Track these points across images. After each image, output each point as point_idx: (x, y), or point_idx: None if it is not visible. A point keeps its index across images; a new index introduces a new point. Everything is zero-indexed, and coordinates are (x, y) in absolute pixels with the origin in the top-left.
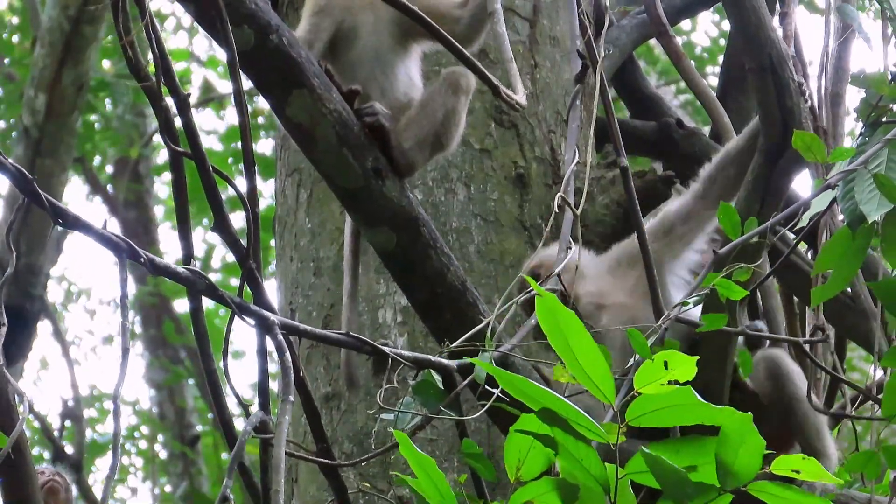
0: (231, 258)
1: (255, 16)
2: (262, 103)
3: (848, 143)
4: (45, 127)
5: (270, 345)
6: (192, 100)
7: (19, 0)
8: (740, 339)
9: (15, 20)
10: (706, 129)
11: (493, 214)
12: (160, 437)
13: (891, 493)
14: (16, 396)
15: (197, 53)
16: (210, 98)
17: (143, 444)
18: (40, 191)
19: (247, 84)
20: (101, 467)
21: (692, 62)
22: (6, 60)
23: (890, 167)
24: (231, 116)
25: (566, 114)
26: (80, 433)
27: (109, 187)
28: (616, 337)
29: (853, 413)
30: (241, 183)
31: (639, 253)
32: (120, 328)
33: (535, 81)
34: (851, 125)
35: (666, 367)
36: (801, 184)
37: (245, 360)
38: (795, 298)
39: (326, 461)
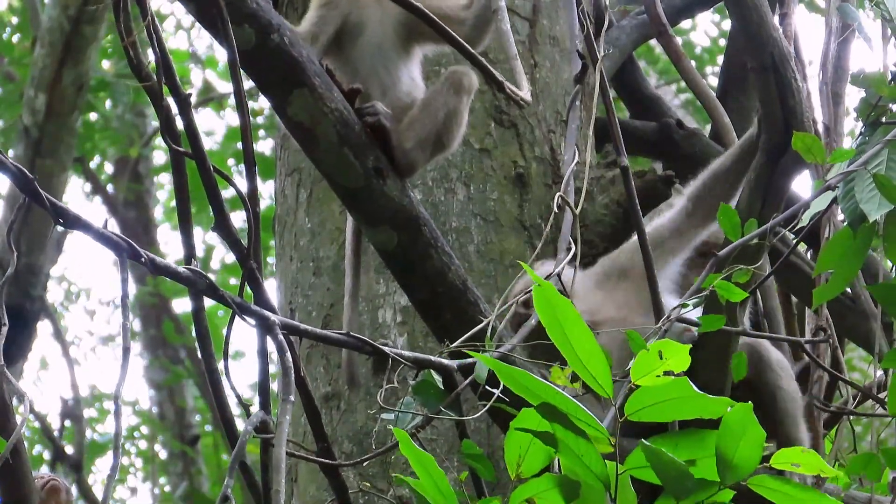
0: (231, 258)
1: (255, 15)
2: (261, 102)
3: (848, 142)
4: (45, 127)
5: (271, 345)
6: (192, 100)
7: (19, 0)
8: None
9: (15, 20)
10: (706, 129)
11: (492, 214)
12: (160, 437)
13: (891, 493)
14: (15, 397)
15: (197, 53)
16: (210, 98)
17: (143, 444)
18: (41, 190)
19: (247, 83)
20: (101, 467)
21: (692, 62)
22: (5, 60)
23: (890, 167)
24: (231, 116)
25: (566, 113)
26: (81, 433)
27: (109, 187)
28: (611, 350)
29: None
30: (242, 183)
31: (627, 265)
32: (120, 328)
33: (535, 81)
34: (851, 125)
35: (661, 357)
36: (802, 185)
37: (245, 360)
38: (794, 299)
39: (327, 461)
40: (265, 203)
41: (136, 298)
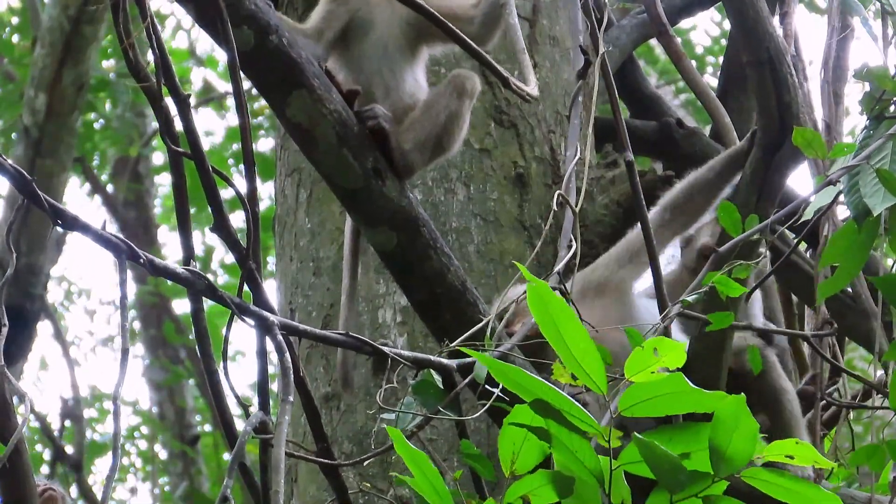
0: (231, 258)
1: (254, 16)
2: (262, 102)
3: (848, 141)
4: (45, 127)
5: (270, 345)
6: (192, 100)
7: (20, 0)
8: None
9: (15, 20)
10: (706, 130)
11: (492, 214)
12: (160, 437)
13: (891, 492)
14: (16, 397)
15: (197, 53)
16: (210, 98)
17: (143, 445)
18: (39, 192)
19: (247, 84)
20: (101, 467)
21: (692, 62)
22: (5, 60)
23: (894, 161)
24: (231, 116)
25: (568, 109)
26: (81, 433)
27: (109, 187)
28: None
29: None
30: (241, 183)
31: (603, 281)
32: (119, 329)
33: None
34: (851, 125)
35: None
36: (800, 183)
37: (245, 361)
38: (795, 298)
39: (326, 461)
40: (265, 203)
41: (137, 298)
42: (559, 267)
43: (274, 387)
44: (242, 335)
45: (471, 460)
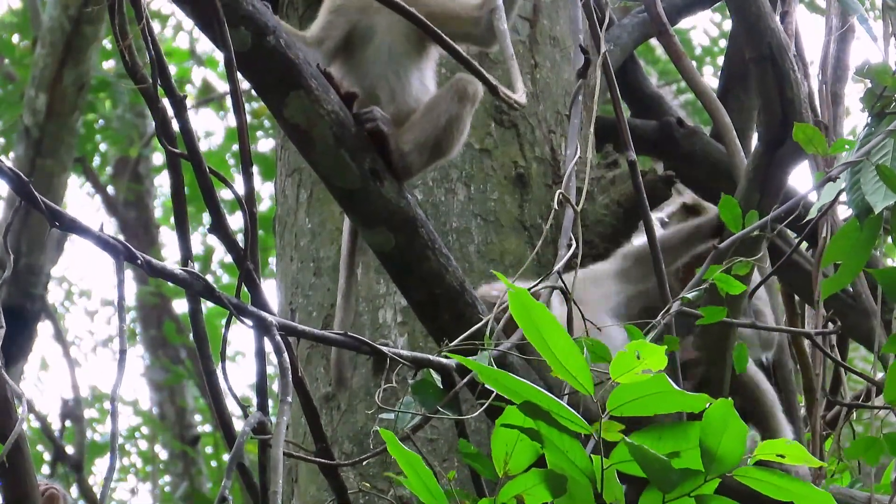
0: (231, 259)
1: (252, 17)
2: (263, 104)
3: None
4: (45, 127)
5: (269, 345)
6: (192, 100)
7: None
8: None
9: (15, 21)
10: (706, 129)
11: (493, 214)
12: (161, 438)
13: (893, 491)
14: (15, 397)
15: (198, 53)
16: (210, 98)
17: (143, 445)
18: (37, 193)
19: (246, 84)
20: (101, 468)
21: (693, 62)
22: (6, 61)
23: None
24: (231, 117)
25: (569, 108)
26: (81, 433)
27: (109, 187)
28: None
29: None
30: (241, 183)
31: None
32: (118, 330)
33: (535, 81)
34: (851, 125)
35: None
36: (801, 181)
37: (245, 361)
38: (797, 298)
39: (325, 461)
40: (266, 203)
41: (137, 298)
42: (559, 266)
43: (274, 387)
44: (242, 336)
45: (469, 459)
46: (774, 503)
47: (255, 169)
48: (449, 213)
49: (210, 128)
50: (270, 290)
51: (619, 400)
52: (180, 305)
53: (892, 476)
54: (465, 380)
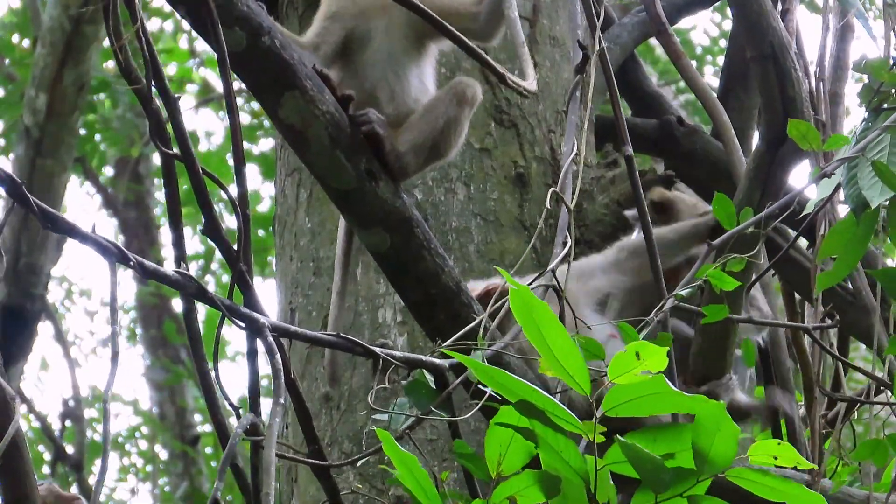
0: None
1: (246, 17)
2: None
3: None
4: (46, 127)
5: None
6: (193, 100)
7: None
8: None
9: (15, 20)
10: (706, 129)
11: (492, 214)
12: (161, 438)
13: (891, 488)
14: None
15: (198, 53)
16: (210, 98)
17: (143, 445)
18: (29, 196)
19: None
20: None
21: (692, 62)
22: (6, 61)
23: (893, 153)
24: None
25: (566, 104)
26: (81, 433)
27: (109, 188)
28: None
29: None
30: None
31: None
32: (111, 332)
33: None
34: (851, 125)
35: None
36: (802, 179)
37: (244, 362)
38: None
39: (317, 462)
40: (266, 203)
41: (137, 298)
42: (554, 265)
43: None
44: (242, 336)
45: (464, 460)
46: (766, 503)
47: (255, 169)
48: (448, 213)
49: (210, 128)
50: (271, 289)
51: (614, 400)
52: (180, 305)
53: (894, 475)
54: (459, 380)
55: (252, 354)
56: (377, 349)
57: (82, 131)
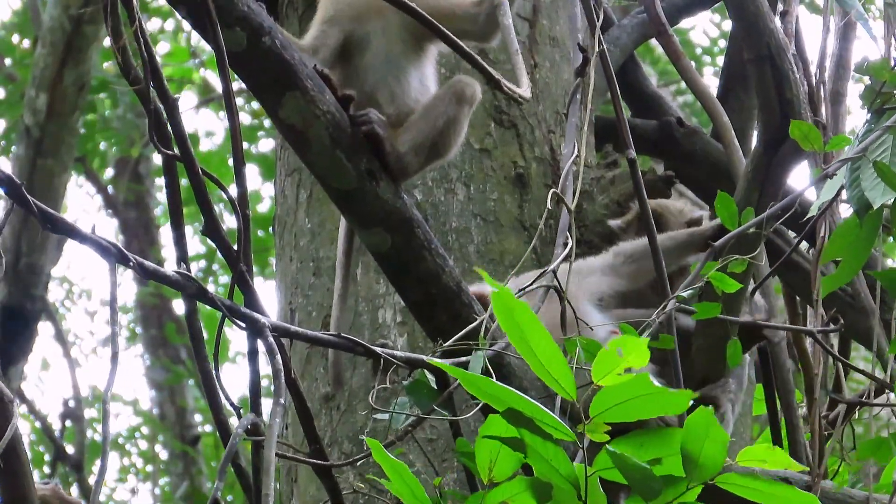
0: None
1: (246, 18)
2: None
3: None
4: (46, 127)
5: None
6: (193, 100)
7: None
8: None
9: (15, 20)
10: (706, 130)
11: (492, 214)
12: (161, 438)
13: (893, 490)
14: (15, 397)
15: (197, 52)
16: (210, 98)
17: (143, 445)
18: (29, 196)
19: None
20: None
21: (692, 62)
22: (7, 61)
23: (895, 153)
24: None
25: (566, 106)
26: (81, 433)
27: (109, 188)
28: None
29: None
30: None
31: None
32: (111, 332)
33: (535, 82)
34: (852, 125)
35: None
36: (801, 181)
37: (246, 362)
38: (798, 299)
39: (318, 462)
40: (266, 203)
41: (138, 298)
42: (554, 265)
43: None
44: (242, 337)
45: (466, 459)
46: None
47: (255, 169)
48: (448, 213)
49: (210, 128)
50: (271, 290)
51: (602, 405)
52: (181, 306)
53: (894, 476)
54: (459, 380)
55: (253, 354)
56: (378, 349)
57: (82, 131)
